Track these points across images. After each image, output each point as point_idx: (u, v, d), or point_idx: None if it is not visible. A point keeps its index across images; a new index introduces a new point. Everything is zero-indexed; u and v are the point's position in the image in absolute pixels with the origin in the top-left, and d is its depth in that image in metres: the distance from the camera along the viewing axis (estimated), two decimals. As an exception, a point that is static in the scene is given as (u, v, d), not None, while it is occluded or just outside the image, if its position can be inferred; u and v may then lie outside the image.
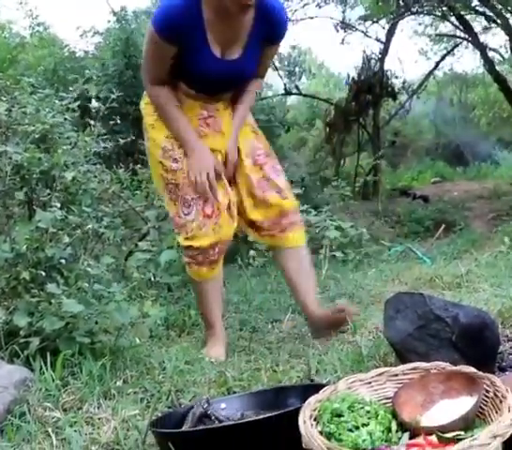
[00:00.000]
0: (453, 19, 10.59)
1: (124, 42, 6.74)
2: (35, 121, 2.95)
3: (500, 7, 9.15)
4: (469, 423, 1.28)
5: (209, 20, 2.20)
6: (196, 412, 1.58)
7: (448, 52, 12.52)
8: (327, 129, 11.41)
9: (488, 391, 1.34)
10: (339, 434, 1.26)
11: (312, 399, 1.37)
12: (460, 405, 1.33)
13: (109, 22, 7.89)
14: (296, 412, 1.33)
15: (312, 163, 11.46)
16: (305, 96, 13.08)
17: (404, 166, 14.96)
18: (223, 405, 1.66)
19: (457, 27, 11.06)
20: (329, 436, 1.26)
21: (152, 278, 2.79)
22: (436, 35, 12.69)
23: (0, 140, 2.89)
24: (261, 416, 1.45)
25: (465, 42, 11.51)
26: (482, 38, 10.76)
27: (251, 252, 4.07)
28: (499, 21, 9.36)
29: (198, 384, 1.92)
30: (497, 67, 10.89)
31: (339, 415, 1.31)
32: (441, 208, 8.72)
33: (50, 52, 8.85)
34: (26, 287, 2.04)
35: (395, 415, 1.35)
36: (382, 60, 10.83)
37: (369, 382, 1.49)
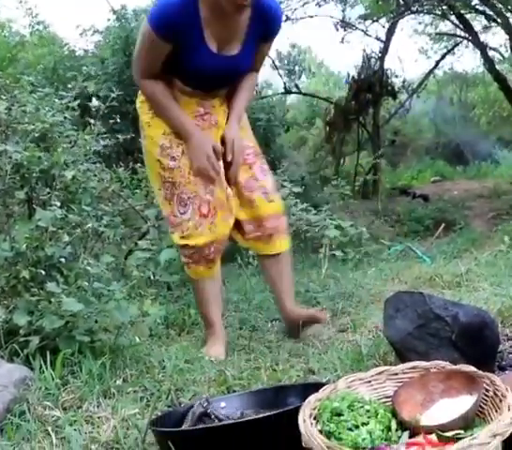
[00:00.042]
0: (453, 18, 10.58)
1: (124, 41, 6.73)
2: (34, 120, 2.95)
3: (500, 6, 9.14)
4: (469, 422, 1.29)
5: (206, 18, 2.20)
6: (196, 410, 1.58)
7: (448, 52, 12.51)
8: (327, 128, 11.41)
9: (487, 390, 1.34)
10: (339, 433, 1.26)
11: (312, 398, 1.37)
12: (460, 404, 1.33)
13: (108, 20, 7.86)
14: (296, 410, 1.33)
15: (312, 162, 11.46)
16: (305, 94, 13.08)
17: (404, 165, 14.96)
18: (223, 404, 1.66)
19: (457, 26, 11.05)
20: (329, 435, 1.27)
21: (152, 277, 2.79)
22: (436, 34, 12.67)
23: (0, 138, 2.89)
24: (260, 415, 1.45)
25: (465, 41, 11.50)
26: (482, 37, 10.77)
27: (251, 251, 4.06)
28: (499, 20, 9.35)
29: (198, 383, 1.92)
30: (497, 67, 10.88)
31: (339, 414, 1.31)
32: (441, 207, 8.72)
33: (49, 51, 8.83)
34: (26, 286, 2.04)
35: (395, 414, 1.35)
36: (382, 59, 10.83)
37: (369, 381, 1.49)
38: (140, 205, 3.63)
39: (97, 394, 1.77)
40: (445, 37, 12.71)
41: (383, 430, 1.29)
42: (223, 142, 2.38)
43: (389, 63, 16.20)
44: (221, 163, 2.37)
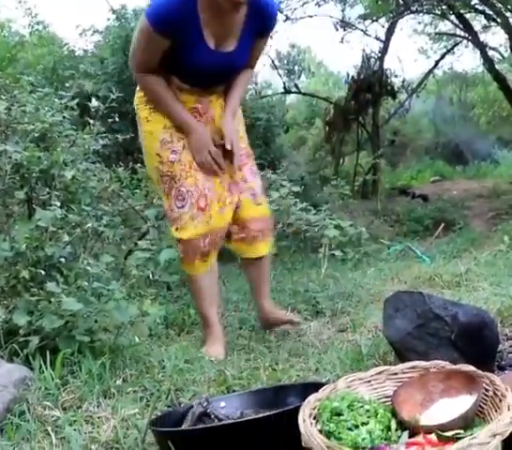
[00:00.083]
0: (453, 17, 10.59)
1: (123, 40, 6.71)
2: (34, 120, 2.95)
3: (499, 5, 9.14)
4: (468, 421, 1.29)
5: (204, 15, 2.21)
6: (196, 410, 1.58)
7: (448, 51, 12.51)
8: (327, 128, 11.42)
9: (487, 390, 1.34)
10: (339, 433, 1.27)
11: (312, 398, 1.37)
12: (460, 404, 1.33)
13: (108, 20, 7.86)
14: (296, 410, 1.33)
15: (312, 162, 11.46)
16: (304, 94, 13.08)
17: (403, 165, 14.96)
18: (223, 404, 1.66)
19: (456, 26, 11.06)
20: (329, 435, 1.27)
21: (151, 277, 2.79)
22: (436, 33, 12.67)
23: (0, 138, 2.89)
24: (260, 415, 1.45)
25: (465, 41, 11.50)
26: (482, 37, 10.78)
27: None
28: (499, 19, 9.35)
29: (197, 383, 1.92)
30: (497, 66, 10.89)
31: (339, 414, 1.31)
32: (440, 207, 8.73)
33: (49, 51, 8.83)
34: (26, 286, 2.04)
35: (394, 414, 1.36)
36: (381, 59, 10.83)
37: (369, 381, 1.49)
38: (139, 205, 3.63)
39: (97, 394, 1.77)
40: (445, 37, 12.72)
41: (382, 430, 1.29)
42: (221, 133, 2.39)
43: (389, 63, 16.23)
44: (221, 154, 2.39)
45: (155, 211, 3.38)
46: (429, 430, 1.26)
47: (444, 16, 10.89)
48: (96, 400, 1.74)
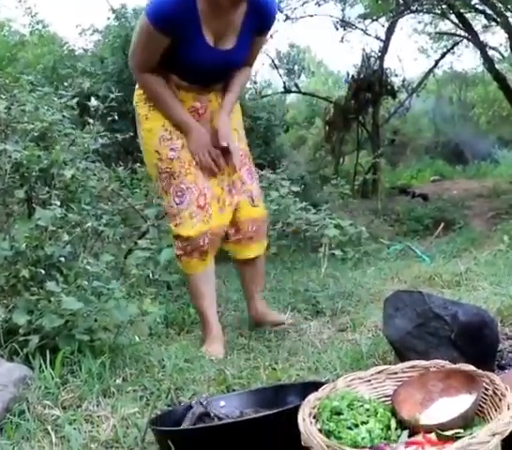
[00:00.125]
0: (453, 17, 10.58)
1: (123, 40, 6.71)
2: (34, 119, 2.94)
3: (500, 5, 9.13)
4: (468, 421, 1.29)
5: (203, 12, 2.22)
6: (195, 410, 1.58)
7: (448, 51, 12.50)
8: (327, 128, 11.42)
9: (487, 389, 1.34)
10: (339, 432, 1.27)
11: (312, 397, 1.37)
12: (460, 403, 1.33)
13: (108, 19, 7.85)
14: (296, 409, 1.33)
15: (312, 161, 11.46)
16: (304, 94, 13.08)
17: (403, 164, 14.97)
18: (222, 403, 1.66)
19: (456, 25, 11.05)
20: (328, 434, 1.27)
21: (151, 276, 2.78)
22: (436, 33, 12.67)
23: (0, 138, 2.89)
24: (260, 414, 1.45)
25: (465, 41, 11.50)
26: (482, 37, 10.78)
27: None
28: (499, 19, 9.34)
29: (197, 382, 1.92)
30: (497, 66, 10.88)
31: (339, 413, 1.31)
32: (440, 207, 8.72)
33: (49, 50, 8.83)
34: (26, 285, 2.04)
35: (394, 413, 1.36)
36: (381, 58, 10.83)
37: (369, 380, 1.49)
38: (139, 204, 3.62)
39: (97, 393, 1.77)
40: (445, 37, 12.71)
41: (382, 429, 1.29)
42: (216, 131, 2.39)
43: (389, 62, 16.22)
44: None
45: (155, 210, 3.37)
46: (428, 429, 1.27)
47: (444, 15, 10.89)
48: (95, 399, 1.74)
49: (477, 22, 10.90)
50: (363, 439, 1.25)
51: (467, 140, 15.19)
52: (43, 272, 2.05)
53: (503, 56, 11.99)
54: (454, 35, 12.04)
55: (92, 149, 3.23)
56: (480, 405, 1.33)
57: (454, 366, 1.45)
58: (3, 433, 1.58)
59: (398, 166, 14.74)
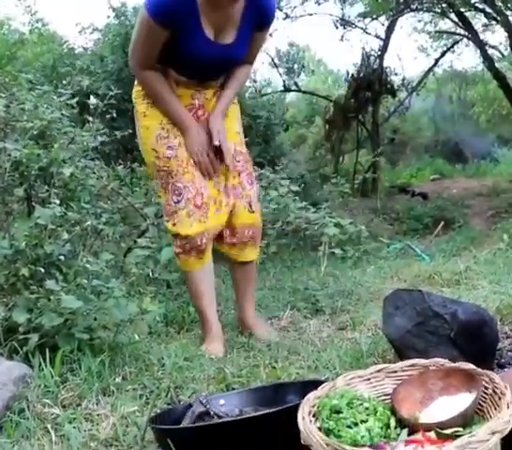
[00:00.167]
0: (453, 16, 10.58)
1: (123, 38, 6.71)
2: (33, 117, 2.94)
3: (500, 4, 9.14)
4: (468, 419, 1.29)
5: (202, 5, 2.22)
6: (195, 408, 1.58)
7: (448, 49, 12.50)
8: (326, 126, 11.42)
9: (486, 388, 1.34)
10: (338, 430, 1.27)
11: (311, 396, 1.37)
12: (459, 402, 1.33)
13: (108, 17, 7.85)
14: (295, 408, 1.33)
15: (311, 160, 11.46)
16: (304, 92, 13.09)
17: (403, 163, 14.98)
18: (222, 401, 1.66)
19: (456, 24, 11.05)
20: (328, 432, 1.27)
21: (151, 275, 2.79)
22: (436, 32, 12.67)
23: (-1, 136, 2.89)
24: (259, 413, 1.45)
25: (465, 39, 11.50)
26: (482, 36, 10.77)
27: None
28: (499, 18, 9.34)
29: (197, 381, 1.92)
30: (496, 65, 10.89)
31: (338, 412, 1.31)
32: (440, 205, 8.72)
33: (49, 49, 8.83)
34: (25, 283, 2.04)
35: (394, 412, 1.36)
36: (381, 57, 10.83)
37: (368, 379, 1.49)
38: (139, 203, 3.62)
39: (97, 391, 1.77)
40: (445, 35, 12.71)
41: (382, 428, 1.29)
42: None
43: (389, 61, 16.19)
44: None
45: (154, 209, 3.37)
46: (428, 428, 1.27)
47: (444, 14, 10.89)
48: (95, 398, 1.74)
49: (477, 21, 10.92)
50: (362, 437, 1.25)
51: (467, 138, 15.19)
52: (43, 270, 2.05)
53: (502, 55, 11.99)
54: (454, 33, 12.04)
55: (91, 147, 3.23)
56: (480, 404, 1.33)
57: (453, 364, 1.45)
58: (3, 432, 1.58)
59: (397, 165, 14.75)
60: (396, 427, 1.31)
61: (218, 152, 2.37)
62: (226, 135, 2.41)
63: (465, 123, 16.14)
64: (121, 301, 2.07)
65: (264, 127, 7.62)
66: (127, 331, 2.14)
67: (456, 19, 10.61)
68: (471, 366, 1.41)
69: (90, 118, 3.23)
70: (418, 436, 1.26)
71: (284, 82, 11.99)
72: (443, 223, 6.68)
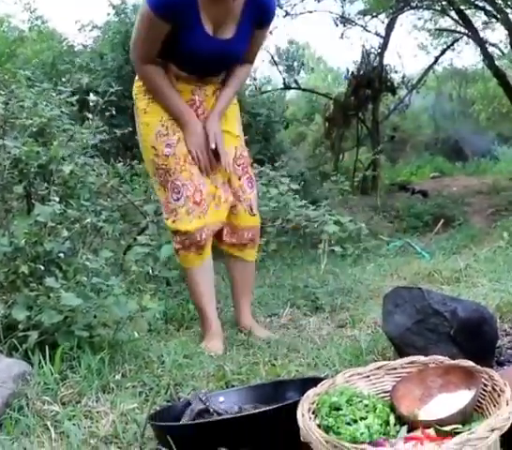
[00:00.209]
0: (453, 13, 10.57)
1: (123, 35, 6.70)
2: (32, 115, 2.94)
3: (500, 1, 9.13)
4: (467, 416, 1.29)
5: (202, 0, 2.22)
6: (195, 405, 1.58)
7: (448, 47, 12.49)
8: (326, 124, 11.42)
9: (486, 385, 1.34)
10: (338, 427, 1.27)
11: (311, 393, 1.37)
12: (459, 399, 1.33)
13: (108, 15, 7.83)
14: (295, 405, 1.33)
15: (311, 158, 11.45)
16: (304, 90, 13.08)
17: (403, 161, 14.97)
18: (222, 399, 1.66)
19: (456, 22, 11.04)
20: (327, 429, 1.27)
21: (150, 272, 2.79)
22: (436, 29, 12.66)
23: (-2, 134, 2.88)
24: (259, 410, 1.45)
25: (465, 37, 11.48)
26: (482, 33, 10.76)
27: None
28: (499, 16, 9.33)
29: (196, 378, 1.92)
30: (497, 62, 10.88)
31: (338, 409, 1.31)
32: (440, 203, 8.72)
33: (48, 46, 8.82)
34: (25, 281, 2.04)
35: (393, 409, 1.36)
36: (381, 55, 10.82)
37: (368, 376, 1.49)
38: (139, 201, 3.62)
39: (96, 389, 1.77)
40: (445, 33, 12.70)
41: (381, 425, 1.29)
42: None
43: (388, 58, 16.17)
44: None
45: (154, 206, 3.37)
46: (427, 425, 1.27)
47: (444, 12, 10.87)
48: (95, 395, 1.74)
49: (477, 19, 10.90)
50: (362, 434, 1.25)
51: (467, 136, 15.19)
52: (42, 268, 2.05)
53: (503, 53, 11.98)
54: (454, 31, 12.03)
55: (91, 144, 3.23)
56: (479, 401, 1.33)
57: (453, 362, 1.45)
58: (2, 429, 1.58)
59: (397, 162, 14.74)
60: (395, 425, 1.31)
61: (214, 153, 2.38)
62: (227, 139, 2.43)
63: (465, 121, 16.13)
64: (121, 298, 2.06)
65: (264, 125, 7.60)
66: (126, 328, 2.14)
67: (456, 16, 10.60)
68: (470, 363, 1.41)
69: (90, 115, 3.23)
70: (418, 433, 1.26)
71: (284, 79, 11.99)
72: (442, 221, 6.68)
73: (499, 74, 10.43)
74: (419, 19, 12.26)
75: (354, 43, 17.97)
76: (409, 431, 1.29)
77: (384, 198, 9.04)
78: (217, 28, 2.30)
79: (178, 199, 2.34)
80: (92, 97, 3.08)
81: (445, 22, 12.17)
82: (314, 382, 1.47)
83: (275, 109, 8.23)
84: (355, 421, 1.29)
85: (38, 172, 2.80)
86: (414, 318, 1.80)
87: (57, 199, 2.37)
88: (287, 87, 11.97)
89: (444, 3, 9.92)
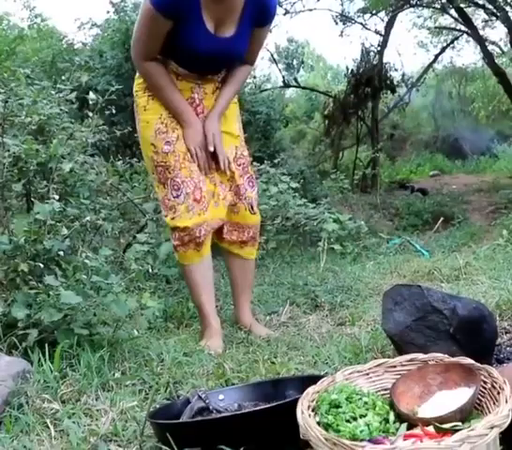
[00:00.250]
0: (452, 11, 10.56)
1: (123, 34, 6.69)
2: (32, 112, 2.94)
3: (499, 0, 9.12)
4: (466, 414, 1.29)
5: None
6: (194, 403, 1.58)
7: (448, 45, 12.49)
8: (326, 122, 11.42)
9: (485, 382, 1.34)
10: (337, 425, 1.27)
11: (310, 390, 1.37)
12: (458, 396, 1.34)
13: (107, 13, 7.83)
14: (294, 403, 1.33)
15: (311, 156, 11.45)
16: (303, 88, 13.07)
17: (403, 159, 14.97)
18: (221, 396, 1.66)
19: (456, 20, 11.03)
20: (327, 427, 1.27)
21: (150, 270, 2.79)
22: (435, 27, 12.65)
23: (-2, 132, 2.88)
24: (258, 407, 1.45)
25: (465, 35, 11.48)
26: (482, 32, 10.76)
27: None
28: (498, 14, 9.32)
29: (196, 376, 1.92)
30: (496, 61, 10.89)
31: (337, 406, 1.31)
32: (439, 201, 8.74)
33: (48, 44, 8.81)
34: (25, 279, 2.04)
35: (392, 406, 1.36)
36: (381, 53, 10.81)
37: (367, 374, 1.49)
38: (138, 199, 3.62)
39: (96, 387, 1.77)
40: (445, 31, 12.69)
41: (380, 422, 1.29)
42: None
43: (388, 56, 16.17)
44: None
45: (153, 204, 3.38)
46: (427, 423, 1.27)
47: (443, 10, 10.87)
48: (94, 393, 1.75)
49: (477, 17, 10.92)
50: (361, 432, 1.25)
51: (466, 134, 15.20)
52: (42, 266, 2.05)
53: (502, 51, 11.99)
54: (454, 29, 12.03)
55: (90, 143, 3.23)
56: (478, 398, 1.33)
57: (452, 359, 1.45)
58: (2, 427, 1.58)
59: (397, 161, 14.74)
60: (395, 422, 1.32)
61: (213, 154, 2.39)
62: (226, 139, 2.43)
63: (465, 119, 16.13)
64: (120, 296, 2.07)
65: (264, 123, 7.61)
66: (126, 326, 2.14)
67: (455, 14, 10.60)
68: (470, 360, 1.41)
69: (89, 114, 3.22)
70: (417, 430, 1.26)
71: (284, 77, 11.97)
72: (442, 219, 6.70)
73: (499, 72, 10.43)
74: (419, 17, 12.28)
75: (354, 41, 18.00)
76: (408, 429, 1.29)
77: (383, 196, 9.04)
78: (218, 26, 2.30)
79: (178, 196, 2.34)
80: (91, 95, 3.08)
81: (445, 21, 12.20)
82: (314, 380, 1.47)
83: (274, 107, 8.23)
84: (355, 418, 1.29)
85: (38, 171, 2.80)
86: (413, 316, 1.80)
87: (57, 197, 2.38)
88: (287, 85, 11.97)
89: (443, 1, 9.92)
